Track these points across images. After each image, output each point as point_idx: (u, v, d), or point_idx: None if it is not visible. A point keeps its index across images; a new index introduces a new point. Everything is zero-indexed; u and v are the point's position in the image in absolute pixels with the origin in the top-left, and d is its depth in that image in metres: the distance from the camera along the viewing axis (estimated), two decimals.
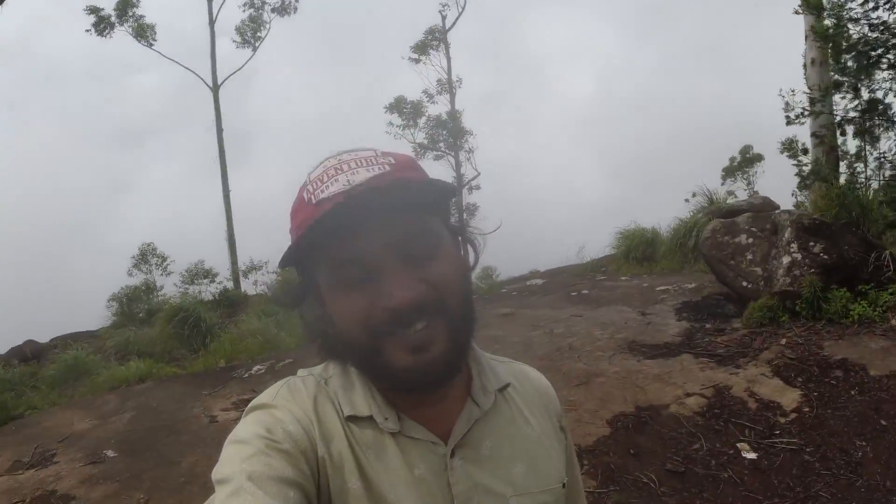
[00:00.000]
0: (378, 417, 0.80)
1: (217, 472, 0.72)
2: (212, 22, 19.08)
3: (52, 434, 5.09)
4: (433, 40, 17.96)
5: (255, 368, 6.22)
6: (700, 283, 6.83)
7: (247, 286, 16.80)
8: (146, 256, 20.14)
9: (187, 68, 19.25)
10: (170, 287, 16.53)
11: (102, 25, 18.16)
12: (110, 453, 4.51)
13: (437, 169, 18.85)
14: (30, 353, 9.84)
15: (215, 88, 18.79)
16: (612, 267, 9.41)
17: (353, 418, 0.80)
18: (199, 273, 19.01)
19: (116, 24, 18.33)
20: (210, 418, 4.89)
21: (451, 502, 0.79)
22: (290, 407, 0.79)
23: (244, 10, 19.52)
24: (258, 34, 19.63)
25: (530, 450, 0.88)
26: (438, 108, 18.36)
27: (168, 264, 19.57)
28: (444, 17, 18.21)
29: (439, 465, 0.80)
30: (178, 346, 8.90)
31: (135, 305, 13.42)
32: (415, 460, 0.79)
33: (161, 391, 5.68)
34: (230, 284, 16.55)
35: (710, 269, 6.15)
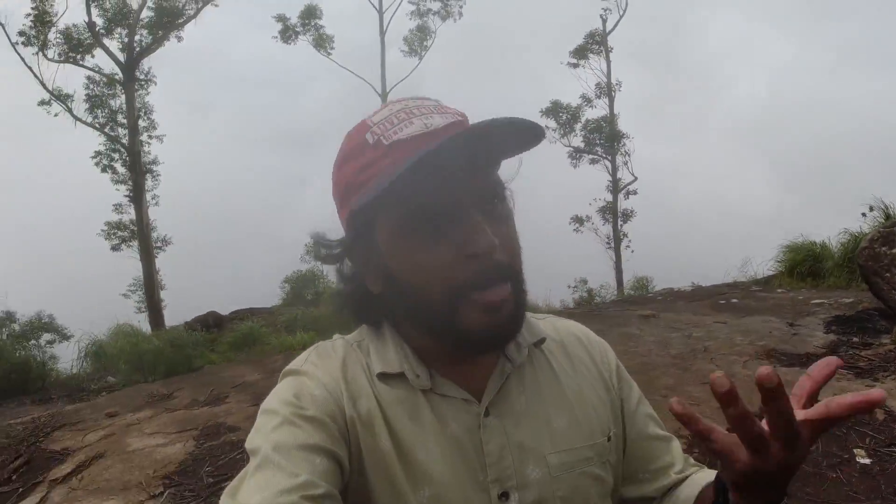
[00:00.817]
0: (410, 374, 0.80)
1: (248, 442, 0.74)
2: (382, 33, 20.65)
3: (226, 382, 6.20)
4: (593, 44, 18.06)
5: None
6: (857, 298, 6.55)
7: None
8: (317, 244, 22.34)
9: (359, 77, 21.00)
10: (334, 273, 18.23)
11: (288, 33, 20.31)
12: None
13: (593, 173, 18.91)
14: (212, 322, 11.43)
15: (384, 96, 20.29)
16: (775, 282, 9.10)
17: (384, 376, 0.80)
18: None
19: (300, 33, 20.38)
20: None
21: (483, 462, 0.78)
22: (317, 372, 0.79)
23: (411, 19, 20.88)
24: (424, 43, 20.91)
25: (570, 403, 0.86)
26: (596, 112, 18.44)
27: None
28: (604, 21, 18.26)
29: (473, 423, 0.79)
30: (339, 324, 10.00)
31: (304, 288, 15.08)
32: (447, 418, 0.79)
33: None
34: None
35: (865, 281, 5.94)
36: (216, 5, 17.48)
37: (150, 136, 17.67)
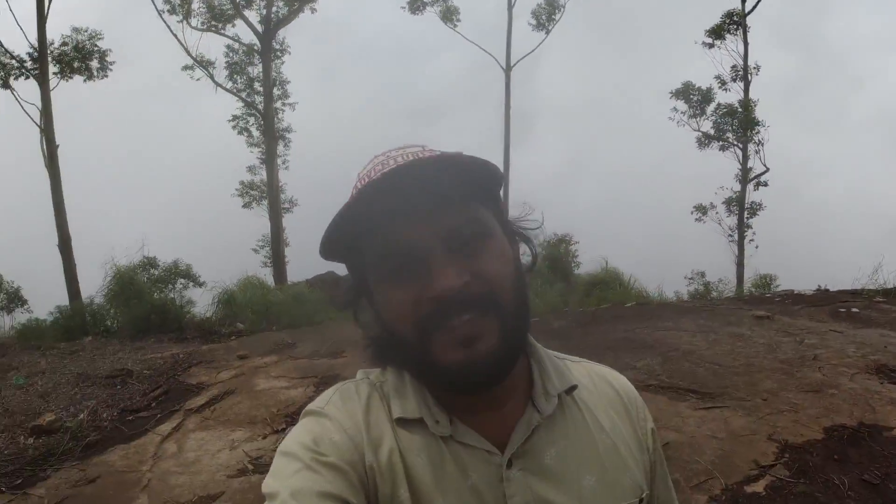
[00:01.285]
0: (429, 420, 0.77)
1: (265, 486, 0.72)
2: (510, 6, 20.50)
3: (343, 338, 6.71)
4: (730, 24, 17.08)
5: None
6: None
7: None
8: None
9: (484, 50, 21.09)
10: None
11: (416, 4, 20.55)
12: None
13: (722, 161, 18.06)
14: (330, 281, 12.20)
15: (508, 69, 20.27)
16: None
17: (403, 422, 0.77)
18: None
19: (427, 4, 20.63)
20: None
21: None
22: (339, 415, 0.77)
23: None
24: (553, 17, 20.60)
25: (602, 459, 0.82)
26: (730, 96, 17.51)
27: None
28: (743, 0, 17.18)
29: (495, 475, 0.76)
30: None
31: None
32: (468, 469, 0.76)
33: None
34: None
35: None
36: None
37: (283, 104, 18.79)
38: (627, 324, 7.05)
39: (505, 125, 20.12)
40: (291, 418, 4.47)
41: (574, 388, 0.84)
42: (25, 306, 14.18)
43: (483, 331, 0.71)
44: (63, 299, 12.26)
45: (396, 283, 0.73)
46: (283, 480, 0.70)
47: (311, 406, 0.81)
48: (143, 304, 9.15)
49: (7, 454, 4.54)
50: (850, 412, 4.08)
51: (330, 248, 0.77)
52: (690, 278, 16.34)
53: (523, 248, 0.86)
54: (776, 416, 4.08)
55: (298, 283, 12.74)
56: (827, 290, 8.95)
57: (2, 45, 14.82)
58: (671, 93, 17.68)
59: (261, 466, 3.89)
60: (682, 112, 17.71)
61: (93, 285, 12.10)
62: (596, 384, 0.90)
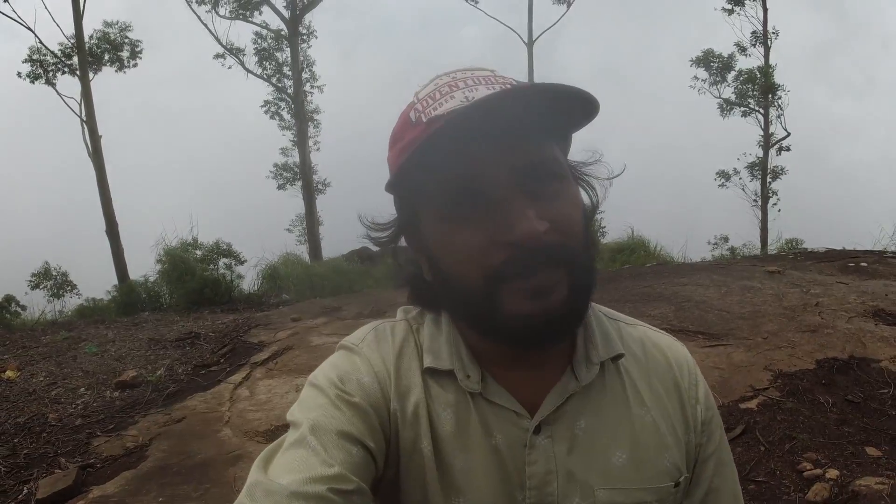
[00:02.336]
0: (460, 374, 0.74)
1: (290, 413, 0.72)
2: None
3: (384, 301, 7.39)
4: None
5: None
6: None
7: None
8: None
9: (506, 25, 21.43)
10: None
11: None
12: None
13: (744, 126, 18.24)
14: (366, 256, 12.84)
15: (530, 44, 20.52)
16: None
17: (432, 371, 0.76)
18: None
19: None
20: None
21: (523, 483, 0.73)
22: (372, 355, 0.77)
23: None
24: None
25: (637, 436, 0.77)
26: (750, 62, 17.63)
27: None
28: None
29: (520, 439, 0.73)
30: None
31: None
32: (493, 428, 0.74)
33: None
34: None
35: None
36: None
37: (311, 87, 19.41)
38: (646, 280, 7.54)
39: None
40: None
41: (620, 356, 0.79)
42: (74, 291, 15.08)
43: (555, 283, 0.66)
44: (108, 282, 13.12)
45: (464, 223, 0.67)
46: (307, 412, 0.70)
47: (346, 340, 0.81)
48: (196, 279, 9.89)
49: (96, 406, 5.23)
50: (843, 348, 4.57)
51: (401, 180, 0.70)
52: (714, 243, 16.62)
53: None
54: (774, 352, 4.59)
55: (335, 258, 13.41)
56: (832, 249, 9.30)
57: (43, 45, 15.68)
58: (691, 61, 17.84)
59: None
60: (702, 80, 17.88)
61: (138, 267, 12.97)
62: (647, 352, 0.83)
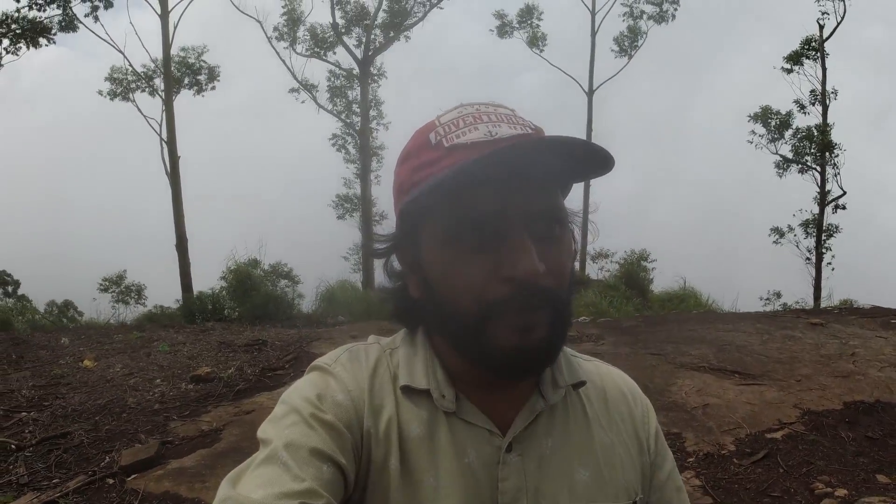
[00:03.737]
0: (435, 393, 0.76)
1: (262, 430, 0.72)
2: (593, 33, 21.37)
3: None
4: (809, 50, 17.39)
5: (581, 318, 8.28)
6: None
7: (593, 271, 18.94)
8: None
9: (567, 74, 21.97)
10: None
11: (504, 29, 21.87)
12: None
13: (801, 183, 18.26)
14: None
15: (590, 93, 21.08)
16: None
17: (408, 390, 0.77)
18: None
19: (516, 29, 21.89)
20: None
21: (495, 499, 0.75)
22: (345, 375, 0.77)
23: (623, 20, 21.45)
24: (635, 43, 21.36)
25: (598, 456, 0.81)
26: (808, 119, 17.74)
27: None
28: (821, 26, 17.42)
29: (492, 457, 0.76)
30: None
31: None
32: (466, 446, 0.75)
33: None
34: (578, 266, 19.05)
35: None
36: (441, 8, 19.62)
37: (377, 124, 20.41)
38: (691, 325, 7.80)
39: None
40: None
41: (582, 383, 0.84)
42: (141, 299, 16.06)
43: (540, 321, 0.70)
44: (170, 293, 13.97)
45: (469, 253, 0.70)
46: (280, 430, 0.70)
47: (318, 361, 0.81)
48: (261, 294, 10.56)
49: (172, 395, 5.79)
50: (871, 392, 4.80)
51: (415, 197, 0.71)
52: (766, 299, 16.56)
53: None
54: (805, 392, 4.85)
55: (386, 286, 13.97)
56: (879, 307, 9.36)
57: (131, 66, 17.14)
58: (749, 116, 18.03)
59: None
60: (759, 135, 18.04)
61: (200, 280, 13.84)
62: (605, 382, 0.90)
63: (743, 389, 4.94)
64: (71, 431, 5.09)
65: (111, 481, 3.88)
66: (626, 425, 0.87)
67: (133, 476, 3.89)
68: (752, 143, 18.26)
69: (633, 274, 14.49)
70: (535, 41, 21.75)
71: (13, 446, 4.85)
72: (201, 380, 6.06)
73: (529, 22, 21.67)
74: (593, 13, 21.52)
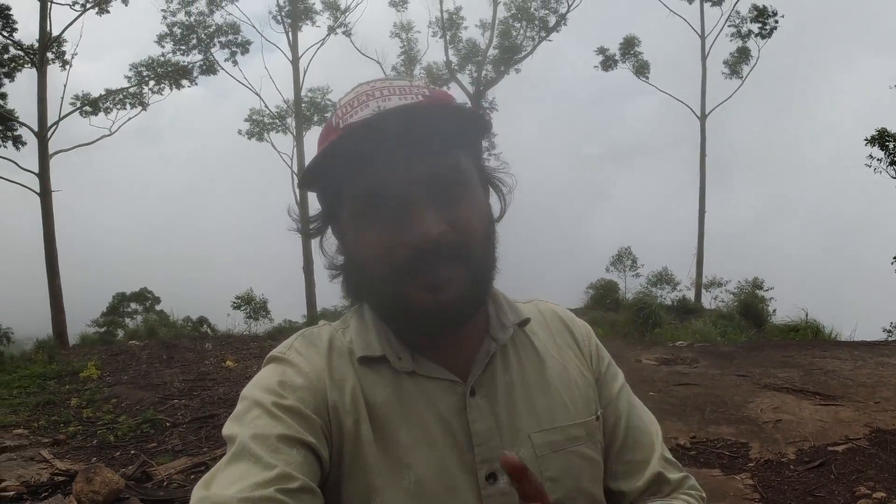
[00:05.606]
0: (392, 357, 0.79)
1: (226, 429, 0.73)
2: (704, 57, 21.48)
3: None
4: None
5: (678, 343, 8.78)
6: None
7: (706, 300, 18.95)
8: (622, 257, 24.60)
9: (678, 100, 22.14)
10: (633, 285, 20.23)
11: (608, 63, 22.52)
12: None
13: None
14: None
15: (703, 117, 21.18)
16: None
17: (366, 360, 0.79)
18: (664, 278, 22.19)
19: (619, 62, 22.49)
20: (637, 361, 7.67)
21: (470, 441, 0.77)
22: (301, 360, 0.79)
23: (731, 41, 21.56)
24: (745, 64, 21.29)
25: (554, 381, 0.86)
26: None
27: (639, 267, 23.60)
28: None
29: (459, 404, 0.78)
30: (632, 329, 11.90)
31: (606, 295, 17.21)
32: (435, 399, 0.78)
33: (608, 344, 8.71)
34: (690, 294, 19.09)
35: None
36: (550, 41, 20.54)
37: (488, 154, 21.46)
38: (788, 351, 8.13)
39: (700, 171, 21.04)
40: None
41: (527, 321, 0.88)
42: (268, 316, 17.87)
43: (452, 278, 0.73)
44: (292, 312, 15.60)
45: (372, 223, 0.74)
46: (244, 425, 0.71)
47: (273, 352, 0.82)
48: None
49: None
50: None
51: (308, 179, 0.78)
52: (889, 330, 15.94)
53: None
54: (880, 413, 5.23)
55: None
56: None
57: (267, 107, 19.44)
58: (866, 140, 17.47)
59: None
60: (878, 159, 17.42)
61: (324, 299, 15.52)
62: (545, 316, 0.95)
63: (818, 408, 5.39)
64: (217, 413, 6.39)
65: None
66: (571, 347, 0.92)
67: None
68: (870, 166, 17.66)
69: (751, 304, 14.14)
70: (641, 69, 22.19)
71: (168, 423, 6.22)
72: None
73: (632, 52, 22.15)
74: (703, 37, 21.67)
